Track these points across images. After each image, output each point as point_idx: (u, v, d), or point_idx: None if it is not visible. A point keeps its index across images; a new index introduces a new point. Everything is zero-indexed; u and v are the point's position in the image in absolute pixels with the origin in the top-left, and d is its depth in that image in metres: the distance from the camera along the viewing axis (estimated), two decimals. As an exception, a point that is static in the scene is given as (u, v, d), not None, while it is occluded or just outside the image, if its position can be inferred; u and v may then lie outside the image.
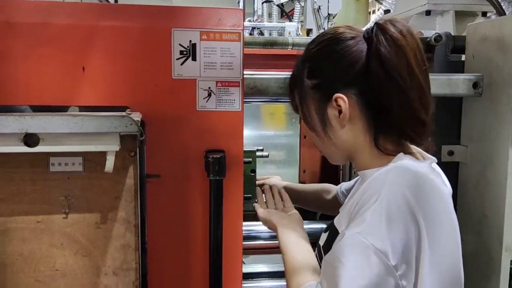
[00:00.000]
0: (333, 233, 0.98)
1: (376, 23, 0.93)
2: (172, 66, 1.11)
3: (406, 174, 0.93)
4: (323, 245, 1.03)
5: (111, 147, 0.94)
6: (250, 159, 1.55)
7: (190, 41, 1.11)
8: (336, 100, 0.96)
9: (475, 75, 1.25)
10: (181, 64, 1.12)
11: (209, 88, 1.13)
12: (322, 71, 0.99)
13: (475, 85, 1.23)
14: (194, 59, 1.12)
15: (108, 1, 3.67)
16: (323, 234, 1.06)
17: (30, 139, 0.91)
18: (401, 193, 0.88)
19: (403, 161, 0.95)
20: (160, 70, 1.12)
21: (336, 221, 1.03)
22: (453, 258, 0.95)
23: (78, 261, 1.06)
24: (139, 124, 0.96)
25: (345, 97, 0.95)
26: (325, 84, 0.99)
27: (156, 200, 1.14)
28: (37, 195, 1.02)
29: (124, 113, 0.96)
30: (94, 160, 1.02)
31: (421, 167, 0.95)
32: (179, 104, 1.13)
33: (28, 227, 1.03)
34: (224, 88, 1.14)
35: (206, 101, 1.13)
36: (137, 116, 1.00)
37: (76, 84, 1.10)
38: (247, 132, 2.05)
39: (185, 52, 1.11)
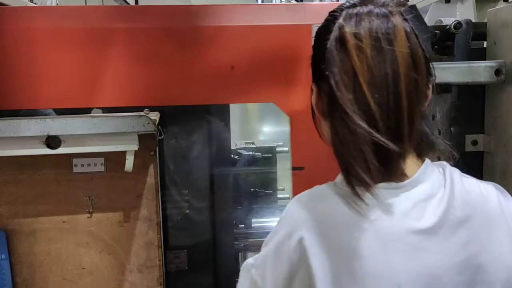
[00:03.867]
0: None
1: (340, 24, 0.72)
2: None
3: (319, 206, 0.73)
4: None
5: (130, 146, 0.96)
6: (270, 154, 1.55)
7: None
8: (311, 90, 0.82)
9: (497, 62, 1.21)
10: None
11: None
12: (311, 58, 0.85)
13: (497, 72, 1.20)
14: None
15: (128, 3, 3.72)
16: None
17: (52, 141, 0.93)
18: (297, 231, 0.70)
19: (330, 186, 0.75)
20: (303, 66, 1.14)
21: None
22: None
23: (103, 259, 1.08)
24: (156, 123, 0.97)
25: (315, 89, 0.81)
26: (312, 71, 0.85)
27: (299, 191, 1.18)
28: (61, 195, 1.05)
29: (141, 113, 0.97)
30: (115, 160, 1.04)
31: (354, 197, 0.70)
32: None
33: (54, 227, 1.06)
34: None
35: None
36: (154, 116, 1.01)
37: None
38: (268, 129, 2.05)
39: None
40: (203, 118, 1.26)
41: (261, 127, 1.95)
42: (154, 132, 0.97)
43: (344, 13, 0.73)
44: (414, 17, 0.72)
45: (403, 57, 0.69)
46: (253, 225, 1.42)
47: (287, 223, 0.74)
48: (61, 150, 0.94)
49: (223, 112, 1.28)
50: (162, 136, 1.07)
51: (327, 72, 0.72)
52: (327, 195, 0.75)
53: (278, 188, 1.64)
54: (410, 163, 0.74)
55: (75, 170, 1.04)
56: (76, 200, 1.05)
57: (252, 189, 1.45)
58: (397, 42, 0.69)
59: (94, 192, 1.06)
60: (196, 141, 1.27)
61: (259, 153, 1.51)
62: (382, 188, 0.71)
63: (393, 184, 0.72)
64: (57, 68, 1.10)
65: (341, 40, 0.71)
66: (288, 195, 1.68)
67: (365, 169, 0.69)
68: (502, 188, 0.76)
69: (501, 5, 1.81)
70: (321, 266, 0.68)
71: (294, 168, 1.18)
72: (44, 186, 1.04)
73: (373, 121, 0.69)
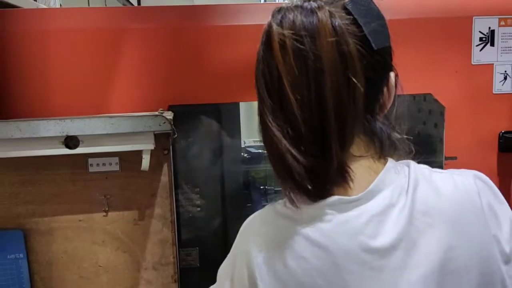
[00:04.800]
0: None
1: (269, 21, 0.66)
2: (471, 52, 1.21)
3: (264, 231, 0.68)
4: None
5: (147, 146, 0.97)
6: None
7: (489, 27, 1.20)
8: None
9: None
10: (480, 50, 1.21)
11: (505, 71, 1.22)
12: None
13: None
14: (492, 44, 1.21)
15: (131, 3, 3.73)
16: None
17: (71, 141, 0.95)
18: (247, 253, 0.67)
19: (276, 207, 0.69)
20: (460, 57, 1.21)
21: None
22: None
23: (119, 257, 1.10)
24: (171, 123, 0.99)
25: None
26: None
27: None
28: (77, 195, 1.07)
29: (157, 113, 0.99)
30: (129, 159, 1.06)
31: (304, 214, 0.64)
32: (476, 89, 1.22)
33: (70, 226, 1.08)
34: None
35: (502, 84, 1.22)
36: (169, 115, 1.03)
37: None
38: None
39: (484, 39, 1.21)
40: (213, 117, 1.28)
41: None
42: (170, 131, 0.98)
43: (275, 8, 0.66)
44: (360, 5, 0.64)
45: (328, 55, 0.61)
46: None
47: (236, 254, 0.71)
48: (79, 150, 0.96)
49: (233, 111, 1.29)
50: (176, 135, 1.09)
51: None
52: (273, 218, 0.68)
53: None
54: (365, 171, 0.66)
55: (90, 169, 1.06)
56: (92, 199, 1.07)
57: (262, 187, 1.47)
58: (321, 39, 0.61)
59: (110, 191, 1.07)
60: (206, 139, 1.29)
61: (268, 151, 1.52)
62: (331, 205, 0.64)
63: (345, 198, 0.64)
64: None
65: (268, 38, 0.65)
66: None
67: (294, 185, 0.63)
68: (485, 178, 0.69)
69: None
70: None
71: (446, 158, 1.24)
72: (61, 186, 1.06)
73: (297, 128, 0.62)
